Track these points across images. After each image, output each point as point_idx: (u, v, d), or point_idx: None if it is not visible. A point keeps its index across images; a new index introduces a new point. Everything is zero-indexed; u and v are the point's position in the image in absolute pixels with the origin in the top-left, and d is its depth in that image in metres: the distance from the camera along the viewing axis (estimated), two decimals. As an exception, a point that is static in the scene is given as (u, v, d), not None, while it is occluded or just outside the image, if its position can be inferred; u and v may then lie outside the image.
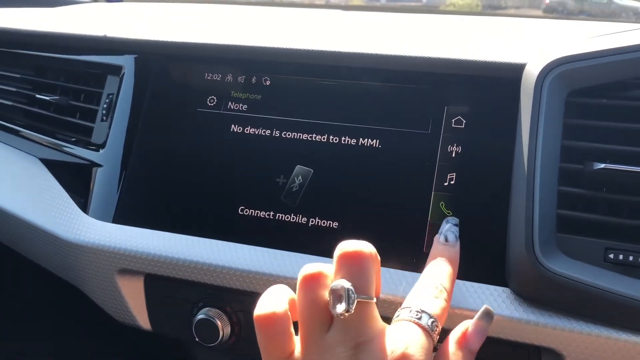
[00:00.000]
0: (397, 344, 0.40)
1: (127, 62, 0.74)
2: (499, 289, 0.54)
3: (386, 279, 0.56)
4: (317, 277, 0.42)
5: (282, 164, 0.63)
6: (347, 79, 0.65)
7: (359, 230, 0.59)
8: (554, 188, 0.53)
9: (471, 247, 0.56)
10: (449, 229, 0.54)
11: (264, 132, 0.65)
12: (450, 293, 0.47)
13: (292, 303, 0.43)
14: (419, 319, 0.42)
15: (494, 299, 0.54)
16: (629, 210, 0.53)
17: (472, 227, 0.57)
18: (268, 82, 0.67)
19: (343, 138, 0.63)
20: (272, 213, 0.62)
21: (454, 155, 0.59)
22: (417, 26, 0.92)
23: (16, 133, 0.83)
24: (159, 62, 0.73)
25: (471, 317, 0.53)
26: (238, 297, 0.62)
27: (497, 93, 0.59)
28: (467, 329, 0.44)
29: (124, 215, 0.67)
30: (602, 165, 0.53)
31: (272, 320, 0.41)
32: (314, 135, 0.64)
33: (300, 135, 0.64)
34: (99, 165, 0.71)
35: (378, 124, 0.62)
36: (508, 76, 0.59)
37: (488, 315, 0.44)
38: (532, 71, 0.56)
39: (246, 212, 0.63)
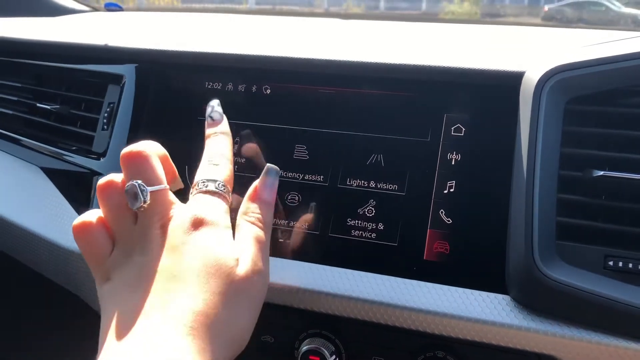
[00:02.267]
0: (192, 211, 0.48)
1: (127, 71, 0.75)
2: (499, 296, 0.54)
3: (386, 287, 0.57)
4: (109, 185, 0.49)
5: (282, 172, 0.64)
6: (347, 87, 0.65)
7: (359, 239, 0.60)
8: (554, 195, 0.54)
9: (471, 255, 0.57)
10: (211, 111, 0.58)
11: (264, 140, 0.65)
12: (230, 158, 0.54)
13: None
14: (206, 187, 0.50)
15: (494, 307, 0.54)
16: (629, 217, 0.53)
17: (472, 235, 0.57)
18: (268, 91, 0.67)
19: (343, 145, 0.63)
20: (275, 220, 0.62)
21: (453, 163, 0.60)
22: (416, 34, 0.92)
23: (17, 142, 0.84)
24: (160, 71, 0.73)
25: (472, 326, 0.53)
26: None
27: (496, 101, 0.60)
28: (257, 185, 0.53)
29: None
30: (601, 173, 0.53)
31: (84, 227, 0.48)
32: (313, 142, 0.64)
33: (301, 143, 0.64)
34: (99, 174, 0.71)
35: (377, 132, 0.62)
36: (507, 84, 0.59)
37: (271, 171, 0.54)
38: (531, 79, 0.56)
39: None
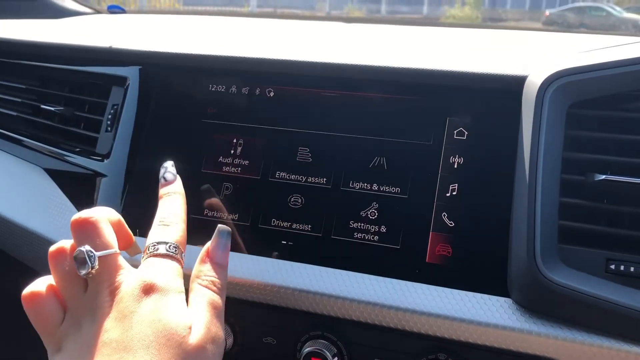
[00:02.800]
0: (142, 276, 0.46)
1: (131, 73, 0.75)
2: (501, 299, 0.55)
3: (389, 290, 0.57)
4: (59, 252, 0.48)
5: (285, 174, 0.64)
6: (350, 90, 0.65)
7: (362, 241, 0.60)
8: (556, 199, 0.54)
9: (473, 258, 0.57)
10: (164, 172, 0.57)
11: (268, 143, 0.66)
12: (182, 218, 0.53)
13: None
14: (157, 250, 0.49)
15: (495, 310, 0.54)
16: (630, 221, 0.53)
17: (474, 238, 0.57)
18: (272, 94, 0.68)
19: (346, 149, 0.63)
20: (274, 221, 0.63)
21: (456, 166, 0.60)
22: (418, 38, 0.92)
23: (21, 143, 0.84)
24: (164, 73, 0.73)
25: (474, 328, 0.54)
26: (240, 308, 0.62)
27: (498, 105, 0.60)
28: (208, 247, 0.52)
29: (127, 224, 0.67)
30: (603, 177, 0.53)
31: (33, 297, 0.47)
32: (315, 145, 0.64)
33: (303, 146, 0.64)
34: (103, 175, 0.72)
35: (380, 135, 0.63)
36: (510, 88, 0.59)
37: (222, 232, 0.52)
38: (534, 83, 0.56)
39: (251, 222, 0.64)
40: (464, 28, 1.02)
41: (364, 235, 0.60)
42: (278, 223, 0.63)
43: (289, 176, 0.64)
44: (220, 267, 0.51)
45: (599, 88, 0.55)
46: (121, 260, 0.48)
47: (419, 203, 0.60)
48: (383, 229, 0.60)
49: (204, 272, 0.50)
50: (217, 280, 0.50)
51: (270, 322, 0.62)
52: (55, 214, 0.72)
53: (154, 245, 0.49)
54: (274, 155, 0.65)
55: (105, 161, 0.73)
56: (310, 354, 0.59)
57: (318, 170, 0.63)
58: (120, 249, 0.49)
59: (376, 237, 0.60)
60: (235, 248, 0.63)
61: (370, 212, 0.61)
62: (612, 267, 0.52)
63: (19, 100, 0.87)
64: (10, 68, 0.89)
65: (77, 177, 0.75)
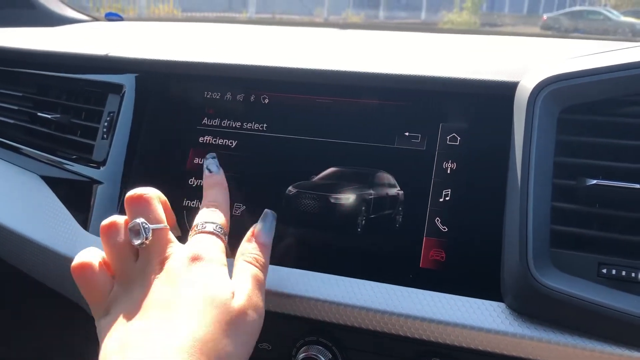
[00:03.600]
0: (191, 249, 0.50)
1: (127, 81, 0.76)
2: (494, 303, 0.55)
3: (383, 295, 0.57)
4: (112, 224, 0.52)
5: (279, 181, 0.64)
6: (344, 97, 0.66)
7: (356, 247, 0.60)
8: (548, 204, 0.54)
9: (467, 262, 0.57)
10: (209, 163, 0.62)
11: (263, 150, 0.66)
12: (226, 209, 0.58)
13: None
14: (205, 228, 0.53)
15: (489, 314, 0.54)
16: (622, 225, 0.53)
17: (467, 243, 0.58)
18: (267, 101, 0.68)
19: (340, 154, 0.64)
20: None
21: (449, 171, 0.60)
22: (413, 45, 0.93)
23: (18, 151, 0.84)
24: (159, 81, 0.74)
25: (468, 333, 0.54)
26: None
27: (491, 110, 0.61)
28: (254, 228, 0.56)
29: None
30: (595, 181, 0.53)
31: (84, 268, 0.50)
32: (310, 152, 0.65)
33: (298, 153, 0.65)
34: (99, 183, 0.72)
35: (374, 141, 0.63)
36: (501, 94, 0.60)
37: (268, 215, 0.58)
38: (525, 89, 0.57)
39: (244, 228, 0.64)
40: (459, 34, 1.02)
41: (359, 241, 0.60)
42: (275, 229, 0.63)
43: (284, 182, 0.64)
44: (264, 246, 0.55)
45: (589, 93, 0.55)
46: (171, 235, 0.52)
47: (412, 208, 0.60)
48: (377, 234, 0.60)
49: (249, 249, 0.54)
50: (260, 257, 0.54)
51: (265, 327, 0.62)
52: (52, 221, 0.72)
53: (202, 224, 0.53)
54: (270, 162, 0.66)
55: (102, 168, 0.73)
56: (305, 359, 0.59)
57: (313, 176, 0.64)
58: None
59: (370, 242, 0.60)
60: (230, 253, 0.63)
61: (365, 218, 0.61)
62: (604, 271, 0.52)
63: (16, 107, 0.87)
64: (7, 76, 0.90)
65: (73, 184, 0.75)
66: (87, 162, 0.75)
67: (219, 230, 0.54)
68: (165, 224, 0.52)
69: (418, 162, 0.61)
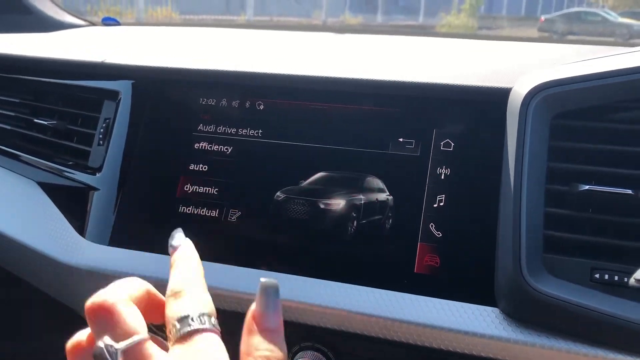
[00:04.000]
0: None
1: (123, 87, 0.76)
2: (488, 309, 0.55)
3: (378, 300, 0.57)
4: (76, 348, 0.40)
5: (274, 185, 0.65)
6: (338, 103, 0.66)
7: (350, 253, 0.60)
8: (541, 209, 0.55)
9: (461, 268, 0.57)
10: (171, 239, 0.46)
11: (258, 155, 0.67)
12: (196, 281, 0.41)
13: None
14: (181, 330, 0.38)
15: (483, 319, 0.55)
16: (614, 230, 0.54)
17: (461, 248, 0.58)
18: (262, 107, 0.69)
19: (335, 160, 0.64)
20: (263, 234, 0.63)
21: (443, 177, 0.61)
22: (409, 49, 0.93)
23: (14, 157, 0.84)
24: (155, 87, 0.74)
25: (462, 338, 0.54)
26: (232, 319, 0.63)
27: (484, 116, 0.61)
28: (253, 311, 0.40)
29: (120, 237, 0.68)
30: (587, 187, 0.54)
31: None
32: (305, 158, 0.65)
33: (292, 158, 0.65)
34: (95, 189, 0.72)
35: (369, 147, 0.63)
36: (495, 100, 0.60)
37: (269, 289, 0.40)
38: (518, 95, 0.57)
39: (238, 233, 0.64)
40: (454, 38, 1.03)
41: (353, 246, 0.61)
42: (268, 234, 0.63)
43: (277, 187, 0.64)
44: (274, 333, 0.39)
45: (581, 99, 0.56)
46: (150, 348, 0.38)
47: (407, 214, 0.60)
48: (371, 239, 0.61)
49: (255, 345, 0.38)
50: (274, 352, 0.38)
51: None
52: (48, 228, 0.73)
53: (174, 325, 0.38)
54: (266, 167, 0.66)
55: (98, 174, 0.73)
56: (301, 364, 0.60)
57: (307, 181, 0.64)
58: (155, 322, 0.41)
59: (365, 248, 0.60)
60: (223, 259, 0.63)
61: (359, 224, 0.61)
62: (597, 276, 0.53)
63: (13, 114, 0.87)
64: (4, 82, 0.90)
65: (70, 190, 0.75)
66: (84, 168, 0.76)
67: (205, 320, 0.38)
68: (142, 334, 0.37)
69: (412, 167, 0.62)
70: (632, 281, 0.44)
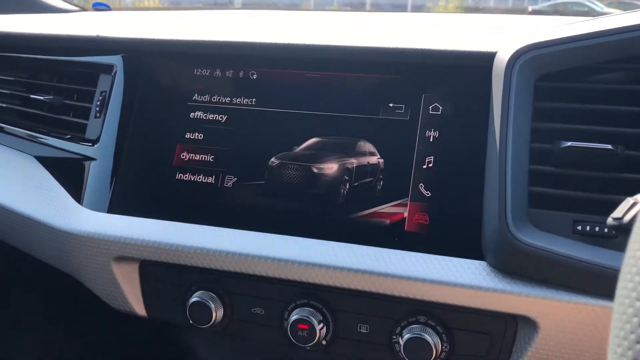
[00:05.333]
0: None
1: (118, 61, 0.77)
2: (476, 262, 0.57)
3: (370, 256, 0.60)
4: None
5: (269, 152, 0.67)
6: (330, 71, 0.68)
7: (343, 214, 0.63)
8: (525, 167, 0.57)
9: (449, 225, 0.60)
10: None
11: (252, 123, 0.68)
12: None
13: None
14: None
15: (471, 272, 0.57)
16: (596, 185, 0.56)
17: (450, 206, 0.60)
18: (255, 76, 0.70)
19: (328, 126, 0.66)
20: (259, 199, 0.65)
21: (431, 140, 0.63)
22: (397, 23, 0.95)
23: (11, 133, 0.86)
24: (150, 60, 0.76)
25: (451, 290, 0.56)
26: (230, 280, 0.65)
27: (470, 80, 0.63)
28: None
29: (118, 205, 0.70)
30: (569, 144, 0.56)
31: None
32: (299, 124, 0.67)
33: (286, 125, 0.67)
34: (92, 159, 0.74)
35: (360, 113, 0.65)
36: (480, 64, 0.62)
37: None
38: (502, 58, 0.59)
39: (235, 198, 0.66)
40: (444, 13, 1.05)
41: (346, 207, 0.63)
42: (263, 199, 0.65)
43: (272, 154, 0.66)
44: None
45: (564, 61, 0.58)
46: None
47: (397, 175, 0.62)
48: (363, 200, 0.63)
49: None
50: None
51: (258, 293, 0.65)
52: (46, 198, 0.74)
53: None
54: (259, 135, 0.68)
55: (95, 146, 0.75)
56: (297, 321, 0.62)
57: (300, 147, 0.66)
58: None
59: (357, 209, 0.62)
60: (221, 223, 0.65)
61: (351, 186, 0.63)
62: (579, 228, 0.55)
63: (8, 92, 0.89)
64: (-1, 60, 0.91)
65: (67, 162, 0.77)
66: (81, 140, 0.77)
67: None
68: None
69: (402, 131, 0.64)
70: (609, 220, 0.46)
